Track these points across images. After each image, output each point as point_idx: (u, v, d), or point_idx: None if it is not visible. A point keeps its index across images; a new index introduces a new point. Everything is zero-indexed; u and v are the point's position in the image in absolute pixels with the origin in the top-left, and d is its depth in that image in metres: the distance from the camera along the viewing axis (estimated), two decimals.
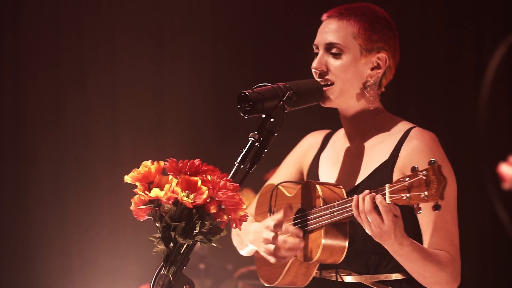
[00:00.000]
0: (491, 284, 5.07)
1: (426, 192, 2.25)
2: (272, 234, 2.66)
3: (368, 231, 2.45)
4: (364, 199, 2.42)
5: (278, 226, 2.67)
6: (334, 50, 2.71)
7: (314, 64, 2.74)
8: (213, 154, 4.77)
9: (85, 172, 5.35)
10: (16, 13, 5.34)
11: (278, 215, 2.68)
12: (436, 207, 2.26)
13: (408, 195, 2.30)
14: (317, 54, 2.76)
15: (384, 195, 2.37)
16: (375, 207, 2.40)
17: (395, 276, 2.66)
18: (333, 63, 2.71)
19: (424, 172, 2.26)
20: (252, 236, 2.79)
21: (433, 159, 2.28)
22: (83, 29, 5.40)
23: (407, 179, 2.31)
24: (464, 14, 5.13)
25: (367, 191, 2.44)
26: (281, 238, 2.66)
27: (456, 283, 2.59)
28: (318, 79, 2.72)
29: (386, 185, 2.36)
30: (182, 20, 5.46)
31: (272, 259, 2.69)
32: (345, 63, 2.69)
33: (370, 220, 2.41)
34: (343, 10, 2.74)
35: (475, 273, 5.01)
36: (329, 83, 2.71)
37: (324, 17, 2.78)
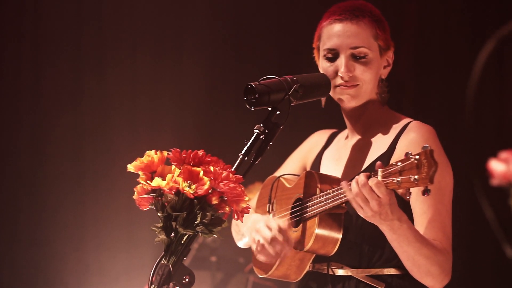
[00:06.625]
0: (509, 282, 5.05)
1: (416, 176, 2.23)
2: (269, 234, 2.64)
3: (366, 212, 2.40)
4: (357, 181, 2.38)
5: (280, 231, 2.66)
6: (360, 54, 2.70)
7: (342, 69, 2.69)
8: (234, 147, 4.79)
9: (102, 167, 5.38)
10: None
11: (284, 224, 2.68)
12: (426, 191, 2.23)
13: (399, 179, 2.28)
14: (331, 58, 2.73)
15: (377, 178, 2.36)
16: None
17: (387, 271, 2.65)
18: (360, 66, 2.70)
19: (416, 156, 2.25)
20: (249, 224, 2.76)
21: (426, 145, 2.26)
22: (103, 15, 5.43)
23: (399, 163, 2.29)
24: (461, 9, 5.12)
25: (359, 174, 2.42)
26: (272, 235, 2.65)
27: (447, 278, 2.56)
28: (345, 82, 2.70)
29: (379, 169, 2.35)
30: (197, 13, 5.49)
31: (259, 256, 2.69)
32: (371, 66, 2.71)
33: (367, 197, 2.36)
34: (357, 11, 2.71)
35: (492, 272, 4.99)
36: (355, 84, 2.70)
37: (330, 19, 2.73)
